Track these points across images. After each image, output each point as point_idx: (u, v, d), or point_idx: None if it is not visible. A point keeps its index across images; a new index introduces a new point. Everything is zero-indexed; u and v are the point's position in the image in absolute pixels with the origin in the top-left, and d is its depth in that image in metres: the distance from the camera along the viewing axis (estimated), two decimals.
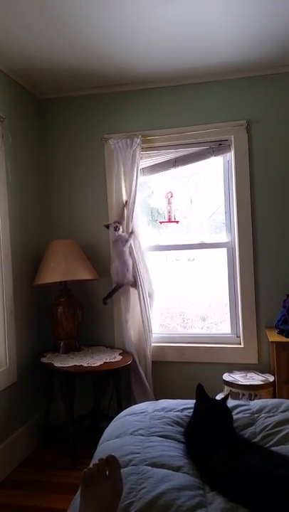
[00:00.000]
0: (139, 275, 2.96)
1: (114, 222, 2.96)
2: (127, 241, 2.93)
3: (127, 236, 2.94)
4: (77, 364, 2.66)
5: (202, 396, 1.71)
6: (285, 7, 2.20)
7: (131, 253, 2.95)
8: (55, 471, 2.59)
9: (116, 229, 2.93)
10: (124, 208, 2.99)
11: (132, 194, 2.96)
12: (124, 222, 2.99)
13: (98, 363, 2.67)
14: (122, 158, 2.98)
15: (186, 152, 3.05)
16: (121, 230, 2.94)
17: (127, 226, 2.98)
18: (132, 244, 2.97)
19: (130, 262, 2.94)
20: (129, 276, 2.94)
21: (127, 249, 2.93)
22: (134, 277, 2.95)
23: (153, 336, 3.04)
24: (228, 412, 1.68)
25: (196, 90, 3.01)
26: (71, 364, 2.66)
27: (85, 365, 2.65)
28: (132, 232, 2.96)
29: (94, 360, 2.71)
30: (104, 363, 2.69)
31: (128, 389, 3.01)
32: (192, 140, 3.01)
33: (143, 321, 2.96)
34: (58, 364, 2.67)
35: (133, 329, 3.01)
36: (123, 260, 2.92)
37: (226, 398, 1.72)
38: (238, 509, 1.20)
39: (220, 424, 1.60)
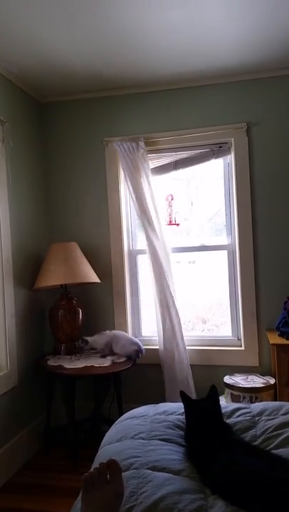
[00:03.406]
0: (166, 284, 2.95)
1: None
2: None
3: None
4: (88, 365, 2.66)
5: (187, 401, 1.70)
6: (284, 10, 2.21)
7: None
8: (56, 474, 2.58)
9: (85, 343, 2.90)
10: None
11: (149, 197, 2.96)
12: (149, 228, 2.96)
13: (107, 364, 2.68)
14: (126, 160, 2.98)
15: (186, 155, 3.05)
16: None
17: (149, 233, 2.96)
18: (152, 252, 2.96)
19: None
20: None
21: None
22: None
23: (154, 338, 3.04)
24: (216, 407, 1.66)
25: (196, 93, 3.02)
26: (82, 366, 2.66)
27: (96, 365, 2.65)
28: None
29: (99, 363, 2.71)
30: (113, 363, 2.71)
31: (129, 392, 3.01)
32: (193, 143, 3.02)
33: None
34: (68, 366, 2.66)
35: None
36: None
37: (213, 394, 1.70)
38: None
39: (211, 421, 1.59)
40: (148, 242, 2.96)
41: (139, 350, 2.81)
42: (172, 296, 2.94)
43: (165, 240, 3.00)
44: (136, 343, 2.84)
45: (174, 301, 2.93)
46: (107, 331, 2.92)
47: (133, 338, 2.92)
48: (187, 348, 3.03)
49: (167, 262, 2.99)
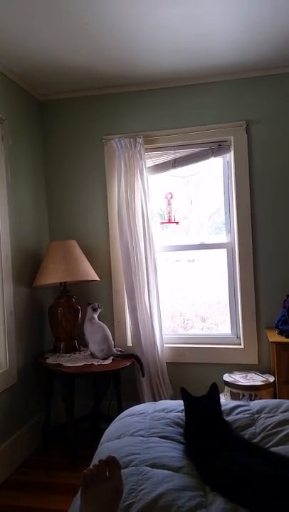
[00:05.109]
0: (148, 278, 2.98)
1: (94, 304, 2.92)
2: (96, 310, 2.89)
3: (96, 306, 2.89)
4: (88, 363, 2.66)
5: (187, 397, 1.70)
6: (283, 8, 2.21)
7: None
8: (55, 472, 2.58)
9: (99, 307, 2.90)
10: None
11: (144, 196, 2.96)
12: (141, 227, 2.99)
13: (106, 362, 2.68)
14: (124, 157, 2.98)
15: (185, 153, 3.05)
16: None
17: (143, 230, 2.99)
18: (144, 244, 2.98)
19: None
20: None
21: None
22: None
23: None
24: (216, 404, 1.66)
25: (195, 91, 3.01)
26: (81, 364, 2.66)
27: (96, 363, 2.66)
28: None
29: (98, 361, 2.71)
30: (113, 360, 2.72)
31: (129, 389, 3.01)
32: (192, 141, 3.01)
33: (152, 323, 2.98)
34: (67, 364, 2.67)
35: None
36: (103, 329, 2.84)
37: (213, 392, 1.70)
38: (238, 510, 1.20)
39: (211, 418, 1.60)
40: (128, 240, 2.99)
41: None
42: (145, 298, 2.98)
43: (154, 239, 2.99)
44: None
45: (148, 301, 2.98)
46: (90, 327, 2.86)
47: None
48: (187, 346, 3.04)
49: (151, 261, 2.98)
